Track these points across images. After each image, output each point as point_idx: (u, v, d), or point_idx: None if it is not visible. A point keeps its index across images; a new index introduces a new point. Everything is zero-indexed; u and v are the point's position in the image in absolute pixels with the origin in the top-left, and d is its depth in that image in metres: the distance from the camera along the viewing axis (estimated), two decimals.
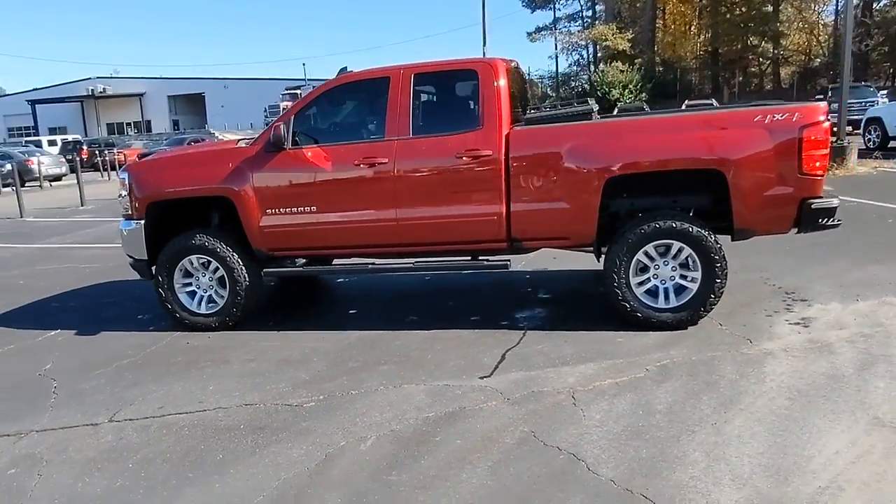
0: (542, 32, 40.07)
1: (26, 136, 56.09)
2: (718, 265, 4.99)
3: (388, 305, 6.61)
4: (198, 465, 3.61)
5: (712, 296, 5.05)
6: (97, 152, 32.87)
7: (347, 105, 5.87)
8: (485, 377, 4.52)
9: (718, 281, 5.02)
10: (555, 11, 43.10)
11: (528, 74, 48.29)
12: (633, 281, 5.16)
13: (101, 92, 63.84)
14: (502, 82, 5.27)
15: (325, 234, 5.61)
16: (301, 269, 5.91)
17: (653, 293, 5.19)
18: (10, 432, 4.18)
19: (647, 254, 5.13)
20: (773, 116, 4.83)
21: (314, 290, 7.32)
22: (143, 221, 5.90)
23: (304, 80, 50.76)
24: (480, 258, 5.54)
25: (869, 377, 4.08)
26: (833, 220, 4.94)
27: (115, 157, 30.16)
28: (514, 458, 3.45)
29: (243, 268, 5.76)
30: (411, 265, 5.67)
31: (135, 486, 3.46)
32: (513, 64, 5.91)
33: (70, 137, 43.00)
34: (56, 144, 38.88)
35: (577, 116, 5.25)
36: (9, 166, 24.57)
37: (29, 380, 5.05)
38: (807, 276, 6.38)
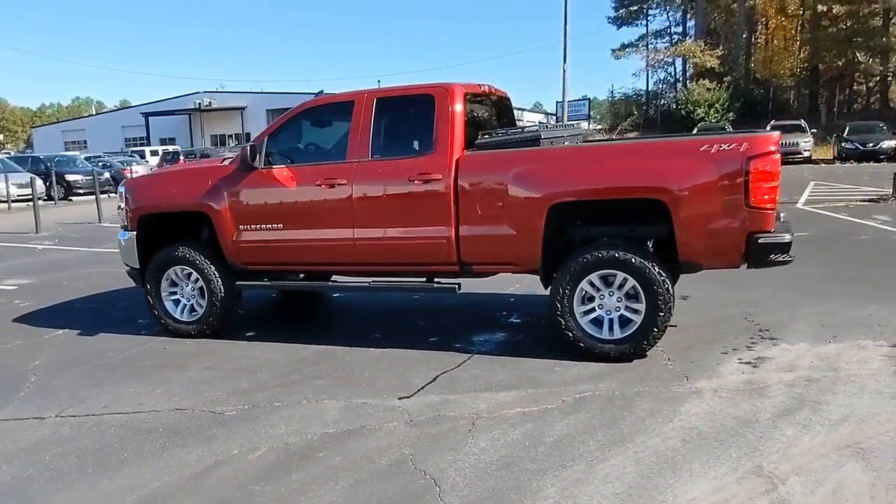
0: (628, 49, 39.36)
1: (140, 146, 60.30)
2: (661, 298, 4.86)
3: (363, 322, 6.79)
4: (101, 463, 3.89)
5: (655, 329, 4.91)
6: None
7: (316, 127, 6.11)
8: (404, 398, 4.60)
9: (662, 314, 4.88)
10: (647, 25, 42.15)
11: (612, 93, 47.73)
12: (578, 310, 5.09)
13: (206, 105, 67.72)
14: (457, 107, 5.35)
15: (290, 251, 5.86)
16: (266, 283, 6.16)
17: (599, 323, 5.11)
18: None
19: (591, 283, 5.06)
20: (720, 146, 4.68)
21: (313, 304, 7.58)
22: (135, 233, 6.34)
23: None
24: (435, 280, 5.62)
25: (782, 424, 3.89)
26: (784, 257, 4.72)
27: None
28: (378, 478, 3.53)
29: (219, 280, 6.09)
30: (367, 284, 5.82)
31: (39, 476, 3.77)
32: (483, 88, 5.98)
33: (170, 148, 45.85)
34: (157, 155, 41.59)
35: (524, 142, 5.25)
36: (107, 174, 26.65)
37: (15, 374, 5.53)
38: (795, 313, 6.08)
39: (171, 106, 68.94)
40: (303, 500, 3.36)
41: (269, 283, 6.14)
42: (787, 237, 4.70)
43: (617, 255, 4.93)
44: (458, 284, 5.50)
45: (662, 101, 39.06)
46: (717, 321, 6.00)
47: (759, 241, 4.67)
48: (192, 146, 59.44)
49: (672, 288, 4.93)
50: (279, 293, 7.72)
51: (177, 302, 6.36)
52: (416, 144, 5.51)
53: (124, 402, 4.80)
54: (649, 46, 39.85)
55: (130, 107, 74.45)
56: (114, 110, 77.35)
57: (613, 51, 39.15)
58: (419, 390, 4.72)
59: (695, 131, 27.78)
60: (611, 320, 5.09)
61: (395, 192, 5.46)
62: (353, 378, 5.05)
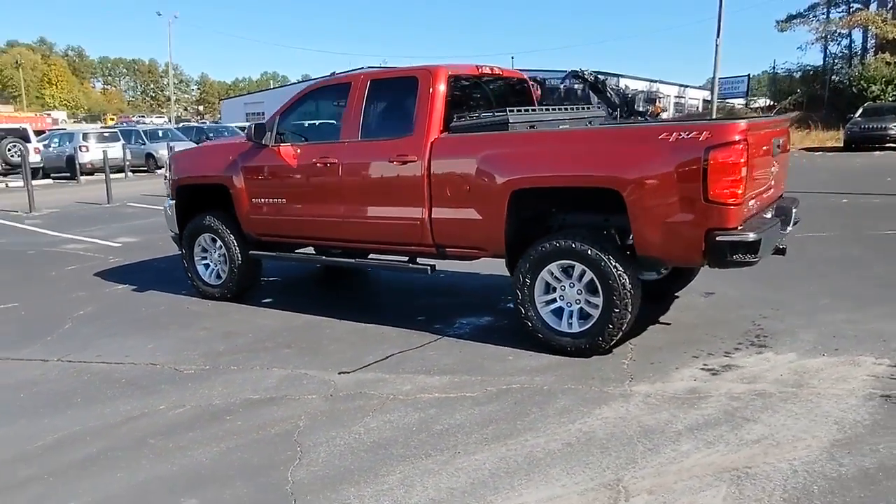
0: (795, 20, 35.68)
1: None
2: (617, 294, 4.61)
3: (373, 297, 7.00)
4: (55, 405, 4.41)
5: (610, 326, 4.67)
6: None
7: (320, 108, 6.32)
8: (343, 372, 4.76)
9: (617, 311, 4.63)
10: None
11: (773, 69, 43.25)
12: (540, 300, 4.96)
13: None
14: (439, 89, 5.33)
15: (292, 224, 6.18)
16: (272, 255, 6.52)
17: (560, 315, 4.94)
18: None
19: (552, 273, 4.90)
20: (679, 134, 4.32)
21: (346, 277, 7.87)
22: (174, 201, 6.97)
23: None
24: (410, 261, 5.68)
25: (685, 438, 3.60)
26: (747, 257, 4.29)
27: None
28: (254, 445, 3.72)
29: (237, 249, 6.56)
30: (353, 261, 6.02)
31: (2, 411, 4.36)
32: (483, 70, 5.89)
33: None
34: None
35: (493, 126, 5.13)
36: None
37: (57, 321, 6.33)
38: (814, 320, 5.48)
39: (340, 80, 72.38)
40: (176, 457, 3.64)
41: (274, 254, 6.50)
42: (750, 236, 4.26)
43: (574, 245, 4.72)
44: (432, 266, 5.53)
45: (836, 76, 35.16)
46: (719, 322, 5.54)
47: (717, 238, 4.27)
48: None
49: (632, 283, 4.64)
50: (322, 266, 8.10)
51: (206, 266, 6.93)
52: (399, 126, 5.56)
53: (116, 353, 5.37)
54: (819, 17, 35.96)
55: (301, 81, 79.13)
56: (287, 85, 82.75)
57: (778, 22, 35.76)
58: (363, 367, 4.85)
59: (859, 112, 24.95)
60: (571, 313, 4.90)
61: (377, 172, 5.58)
62: (317, 349, 5.28)
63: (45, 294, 7.38)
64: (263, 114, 76.89)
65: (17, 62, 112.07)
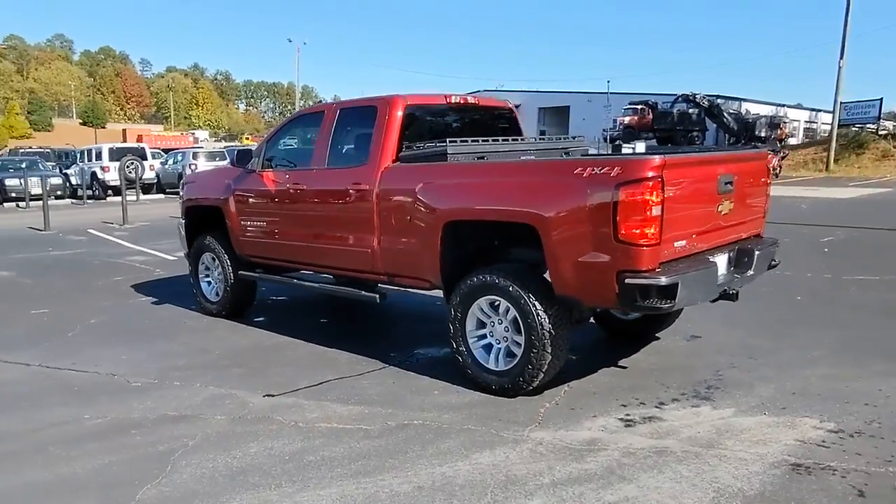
0: None
1: None
2: (535, 333, 4.43)
3: (361, 322, 7.06)
4: (3, 407, 4.78)
5: (530, 367, 4.49)
6: None
7: (301, 135, 6.50)
8: (267, 396, 4.86)
9: (535, 351, 4.45)
10: None
11: None
12: (471, 335, 4.85)
13: None
14: (393, 119, 5.36)
15: (272, 247, 6.40)
16: (255, 275, 6.73)
17: (489, 351, 4.81)
18: None
19: (481, 308, 4.78)
20: (593, 169, 4.11)
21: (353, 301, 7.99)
22: (184, 221, 7.41)
23: (607, 94, 49.76)
24: (374, 288, 5.70)
25: (536, 496, 3.38)
26: (661, 302, 3.99)
27: None
28: (133, 462, 3.86)
29: (230, 268, 6.87)
30: (316, 285, 6.14)
31: None
32: (451, 100, 5.85)
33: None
34: None
35: (432, 156, 5.08)
36: None
37: (67, 327, 6.85)
38: (787, 374, 5.02)
39: None
40: (60, 466, 3.84)
41: (258, 275, 6.72)
42: (663, 280, 3.96)
43: (497, 280, 4.59)
44: (378, 296, 5.53)
45: None
46: (679, 369, 5.17)
47: (626, 281, 4.00)
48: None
49: (553, 323, 4.42)
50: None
51: (209, 283, 7.29)
52: (358, 155, 5.64)
53: (90, 362, 5.73)
54: None
55: None
56: None
57: None
58: (292, 391, 4.93)
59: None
60: (499, 350, 4.75)
61: (336, 199, 5.67)
62: (264, 371, 5.42)
63: (76, 302, 8.02)
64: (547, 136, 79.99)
65: (169, 86, 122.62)
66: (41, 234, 14.52)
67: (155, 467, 3.78)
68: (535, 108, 68.99)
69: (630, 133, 33.71)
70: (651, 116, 42.26)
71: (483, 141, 5.32)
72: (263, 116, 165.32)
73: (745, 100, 50.69)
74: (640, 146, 25.01)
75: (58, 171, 26.33)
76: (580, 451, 3.84)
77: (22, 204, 21.53)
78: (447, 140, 5.03)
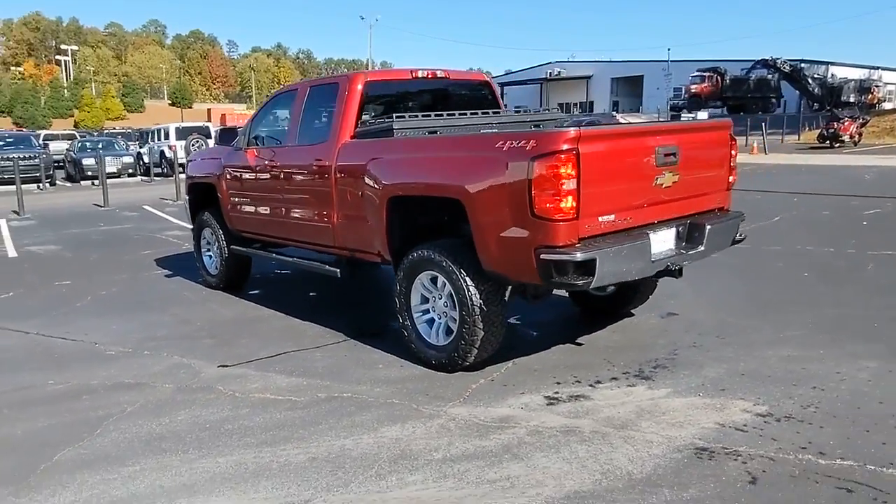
0: None
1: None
2: (466, 309, 4.39)
3: (355, 296, 7.16)
4: None
5: (463, 343, 4.46)
6: None
7: (280, 113, 6.57)
8: (222, 366, 5.03)
9: (467, 327, 4.42)
10: None
11: None
12: (416, 309, 4.86)
13: (555, 75, 70.16)
14: (353, 96, 5.37)
15: (255, 222, 6.57)
16: (241, 249, 6.91)
17: (432, 326, 4.81)
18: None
19: (423, 283, 4.78)
20: (512, 143, 4.01)
21: (359, 276, 8.08)
22: (188, 198, 7.70)
23: (667, 62, 47.44)
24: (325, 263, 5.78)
25: (421, 471, 3.39)
26: (579, 278, 3.87)
27: None
28: (70, 425, 4.08)
29: (224, 243, 7.10)
30: (289, 259, 6.27)
31: None
32: (416, 74, 5.80)
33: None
34: None
35: (381, 132, 5.05)
36: None
37: (77, 299, 7.28)
38: (747, 354, 4.80)
39: (525, 76, 72.95)
40: (5, 426, 4.12)
41: (245, 250, 6.90)
42: (578, 255, 3.83)
43: (433, 255, 4.57)
44: (338, 271, 5.59)
45: None
46: (634, 347, 5.01)
47: (541, 256, 3.90)
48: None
49: (485, 299, 4.37)
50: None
51: (210, 258, 7.56)
52: (322, 132, 5.68)
53: (81, 331, 6.07)
54: None
55: (504, 75, 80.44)
56: None
57: None
58: (246, 362, 5.09)
59: None
60: (440, 325, 4.74)
61: (303, 175, 5.77)
62: (232, 342, 5.60)
63: (98, 274, 8.47)
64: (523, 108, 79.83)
65: (251, 66, 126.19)
66: (100, 211, 15.36)
67: (85, 431, 4.00)
68: (608, 78, 67.20)
69: (696, 102, 32.29)
70: (720, 84, 40.34)
71: (437, 115, 5.26)
72: None
73: (832, 63, 47.63)
74: (703, 115, 24.03)
75: (133, 150, 27.69)
76: (488, 428, 3.81)
77: (97, 182, 22.79)
78: (394, 115, 5.01)
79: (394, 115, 5.01)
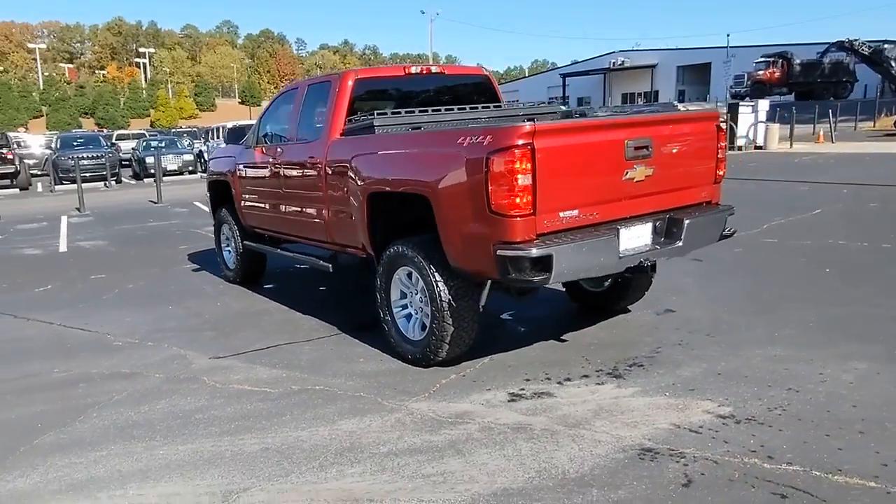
0: None
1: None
2: (436, 305, 4.43)
3: (352, 292, 7.28)
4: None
5: (433, 338, 4.50)
6: None
7: (284, 111, 6.70)
8: (213, 357, 5.22)
9: (437, 323, 4.45)
10: None
11: None
12: (395, 304, 4.92)
13: (619, 65, 68.77)
14: (342, 94, 5.46)
15: (262, 218, 6.76)
16: (252, 245, 7.11)
17: (409, 321, 4.86)
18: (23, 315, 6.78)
19: (400, 279, 4.83)
20: (470, 138, 4.01)
21: None
22: (209, 194, 7.99)
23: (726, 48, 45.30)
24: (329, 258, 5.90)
25: (361, 464, 3.45)
26: (533, 275, 3.84)
27: None
28: (63, 411, 4.33)
29: (239, 238, 7.34)
30: (289, 255, 6.42)
31: None
32: (410, 70, 5.85)
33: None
34: None
35: (363, 129, 5.11)
36: None
37: (104, 292, 7.66)
38: (731, 353, 4.66)
39: (588, 66, 71.78)
40: (6, 410, 4.42)
41: (253, 244, 7.10)
42: (533, 251, 3.80)
43: (406, 251, 4.62)
44: (330, 266, 5.70)
45: None
46: (617, 345, 4.92)
47: (497, 252, 3.89)
48: (604, 104, 61.81)
49: (454, 295, 4.39)
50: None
51: (229, 252, 7.82)
52: (316, 129, 5.79)
53: (100, 323, 6.39)
54: None
55: (553, 69, 79.74)
56: (540, 72, 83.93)
57: None
58: (237, 354, 5.26)
59: None
60: (416, 321, 4.79)
61: (299, 172, 5.90)
62: (230, 335, 5.79)
63: (132, 268, 8.86)
64: (518, 102, 79.16)
65: (317, 63, 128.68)
66: (153, 207, 16.02)
67: (70, 417, 4.24)
68: (674, 66, 65.42)
69: (760, 89, 31.01)
70: (786, 69, 38.56)
71: (421, 111, 5.29)
72: None
73: None
74: (763, 104, 23.12)
75: (196, 148, 28.68)
76: (441, 423, 3.83)
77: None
78: (374, 112, 5.06)
79: (375, 112, 5.07)
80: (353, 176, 5.05)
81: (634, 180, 4.27)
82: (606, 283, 5.52)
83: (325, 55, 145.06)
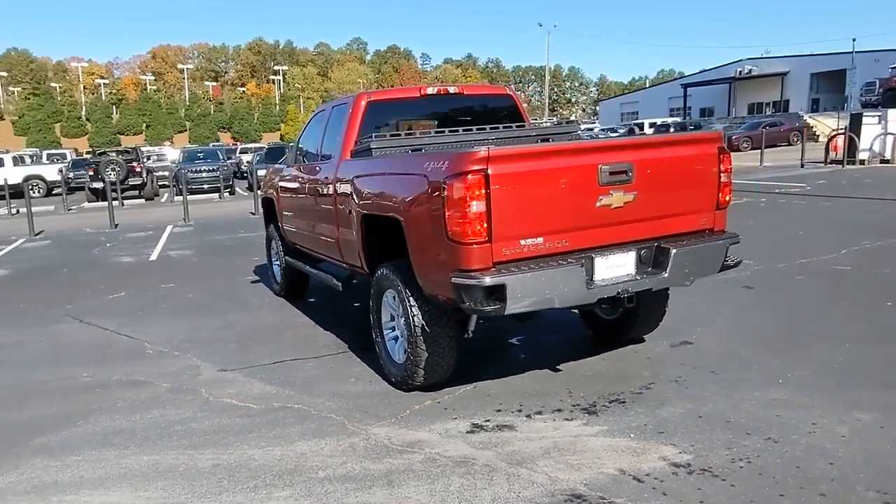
0: None
1: (679, 116, 63.25)
2: (410, 329, 4.41)
3: None
4: (38, 360, 5.97)
5: (409, 363, 4.48)
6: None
7: (315, 131, 6.87)
8: (223, 370, 5.45)
9: (411, 348, 4.43)
10: None
11: None
12: (386, 326, 4.95)
13: (746, 73, 65.27)
14: (355, 116, 5.57)
15: (296, 234, 7.01)
16: (290, 260, 7.34)
17: (397, 343, 4.87)
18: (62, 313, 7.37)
19: (388, 301, 4.86)
20: (433, 163, 3.98)
21: None
22: (263, 210, 8.37)
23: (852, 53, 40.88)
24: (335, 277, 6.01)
25: (283, 489, 3.49)
26: (486, 304, 3.74)
27: None
28: (63, 410, 4.70)
29: (282, 253, 7.64)
30: (313, 271, 6.57)
31: None
32: (426, 91, 5.86)
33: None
34: (653, 128, 42.86)
35: (363, 152, 5.16)
36: None
37: (171, 300, 8.19)
38: (728, 395, 4.32)
39: (712, 76, 68.64)
40: (20, 411, 4.83)
41: (291, 259, 7.34)
42: (486, 280, 3.69)
43: (388, 274, 4.63)
44: (340, 284, 5.80)
45: None
46: (608, 378, 4.67)
47: (452, 280, 3.82)
48: (729, 115, 58.97)
49: (427, 320, 4.34)
50: None
51: (277, 266, 8.15)
52: (334, 150, 5.92)
53: (145, 331, 6.83)
54: None
55: (674, 79, 76.96)
56: (661, 83, 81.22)
57: None
58: (246, 367, 5.46)
59: None
60: (401, 344, 4.78)
61: (318, 192, 6.06)
62: (250, 348, 6.02)
63: (201, 279, 9.41)
64: (637, 113, 76.73)
65: (437, 77, 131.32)
66: (250, 218, 16.92)
67: (70, 421, 4.57)
68: (807, 74, 61.27)
69: (893, 97, 28.25)
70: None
71: (422, 133, 5.29)
72: (531, 100, 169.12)
73: None
74: (893, 114, 21.14)
75: None
76: (389, 452, 3.80)
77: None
78: (372, 135, 5.12)
79: (373, 134, 5.13)
80: (354, 197, 5.13)
81: (611, 206, 4.05)
82: (619, 312, 5.27)
83: (447, 69, 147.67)
